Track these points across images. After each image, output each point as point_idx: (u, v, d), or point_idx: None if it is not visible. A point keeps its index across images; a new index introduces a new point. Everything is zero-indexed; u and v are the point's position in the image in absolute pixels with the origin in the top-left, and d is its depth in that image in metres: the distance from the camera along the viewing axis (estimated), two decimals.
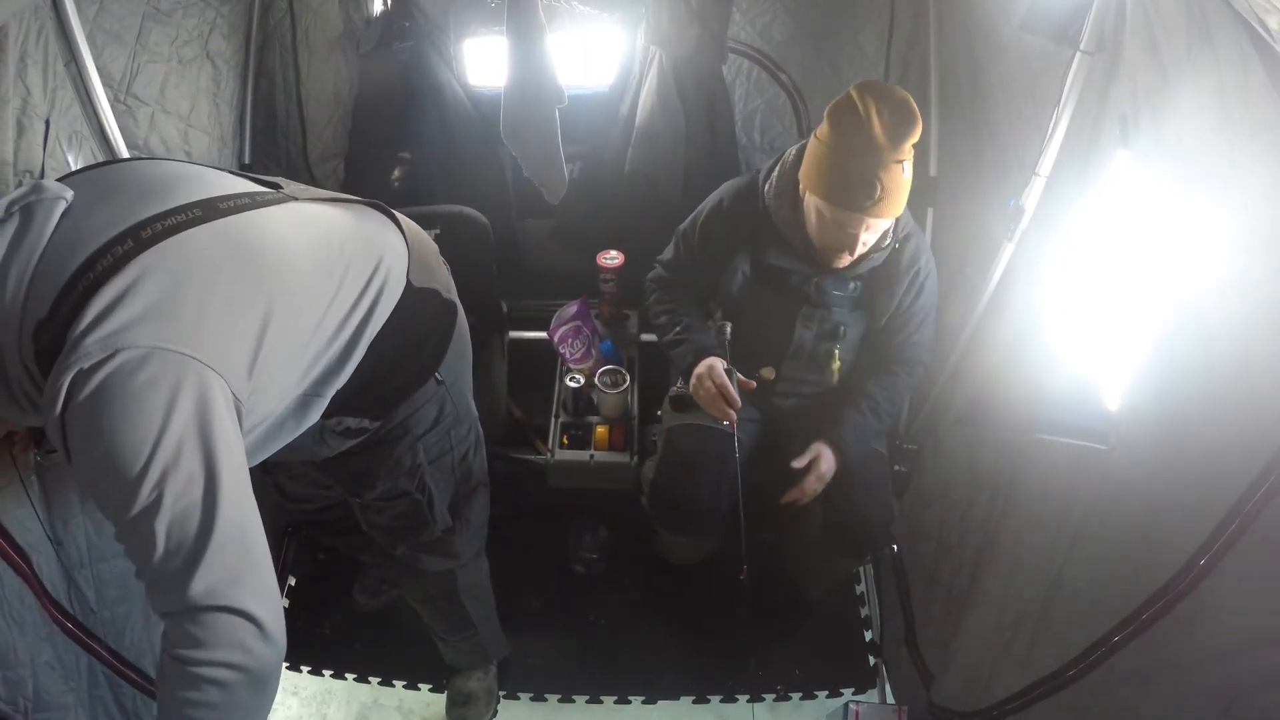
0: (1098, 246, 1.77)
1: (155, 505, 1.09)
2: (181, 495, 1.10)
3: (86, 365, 1.08)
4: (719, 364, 2.04)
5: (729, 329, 2.07)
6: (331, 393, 1.44)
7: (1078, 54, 1.70)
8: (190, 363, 1.13)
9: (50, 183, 1.23)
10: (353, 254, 1.46)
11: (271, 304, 1.27)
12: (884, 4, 2.62)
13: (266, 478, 2.08)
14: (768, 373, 2.18)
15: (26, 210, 1.18)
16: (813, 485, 2.08)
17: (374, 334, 1.46)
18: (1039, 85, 1.88)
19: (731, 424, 2.02)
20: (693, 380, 2.07)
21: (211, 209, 1.28)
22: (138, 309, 1.12)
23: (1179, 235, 1.46)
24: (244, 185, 1.43)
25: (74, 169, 1.75)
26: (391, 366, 1.53)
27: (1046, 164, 1.85)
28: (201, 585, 1.10)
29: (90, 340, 1.09)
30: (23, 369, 1.19)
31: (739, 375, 2.05)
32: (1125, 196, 1.64)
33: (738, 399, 2.00)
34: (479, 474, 1.93)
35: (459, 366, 1.76)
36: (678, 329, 2.15)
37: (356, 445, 1.65)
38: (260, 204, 1.37)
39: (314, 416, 1.46)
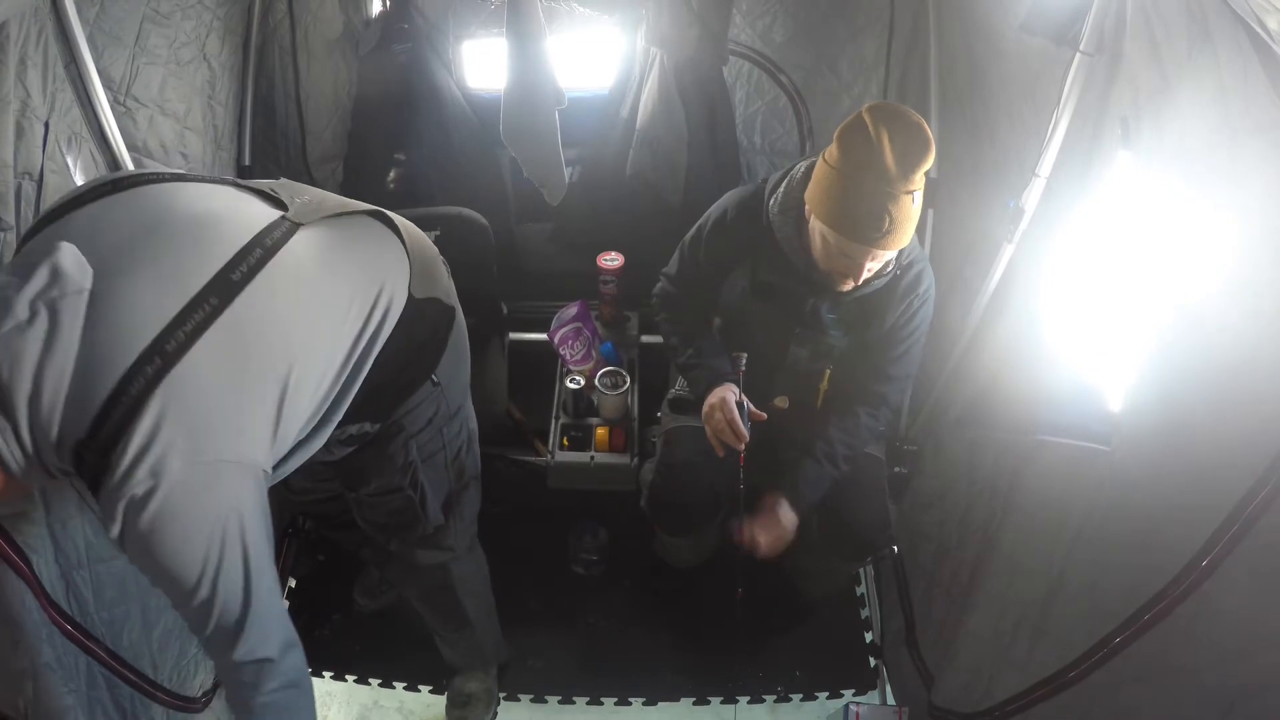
0: (1099, 248, 1.76)
1: (210, 600, 1.31)
2: (228, 586, 1.32)
3: (139, 493, 1.21)
4: (731, 397, 2.04)
5: (744, 360, 2.07)
6: (339, 418, 1.49)
7: (1078, 55, 1.70)
8: (226, 467, 1.28)
9: (67, 264, 1.21)
10: (356, 285, 1.49)
11: (288, 373, 1.34)
12: (884, 6, 2.62)
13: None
14: (781, 402, 2.18)
15: (52, 310, 1.18)
16: (766, 541, 2.05)
17: (375, 355, 1.50)
18: (1039, 86, 1.87)
19: (740, 456, 2.02)
20: (705, 409, 2.08)
21: (226, 289, 1.29)
22: (172, 433, 1.22)
23: (1180, 236, 1.46)
24: (250, 215, 1.41)
25: (72, 172, 1.76)
26: (392, 375, 1.57)
27: (1046, 165, 1.84)
28: (244, 648, 1.37)
29: (139, 472, 1.20)
30: (56, 464, 1.26)
31: (750, 407, 2.05)
32: (1126, 198, 1.64)
33: (746, 434, 2.01)
34: (471, 470, 1.95)
35: (455, 367, 1.78)
36: (690, 352, 2.15)
37: None
38: (271, 250, 1.36)
39: (322, 440, 1.51)
